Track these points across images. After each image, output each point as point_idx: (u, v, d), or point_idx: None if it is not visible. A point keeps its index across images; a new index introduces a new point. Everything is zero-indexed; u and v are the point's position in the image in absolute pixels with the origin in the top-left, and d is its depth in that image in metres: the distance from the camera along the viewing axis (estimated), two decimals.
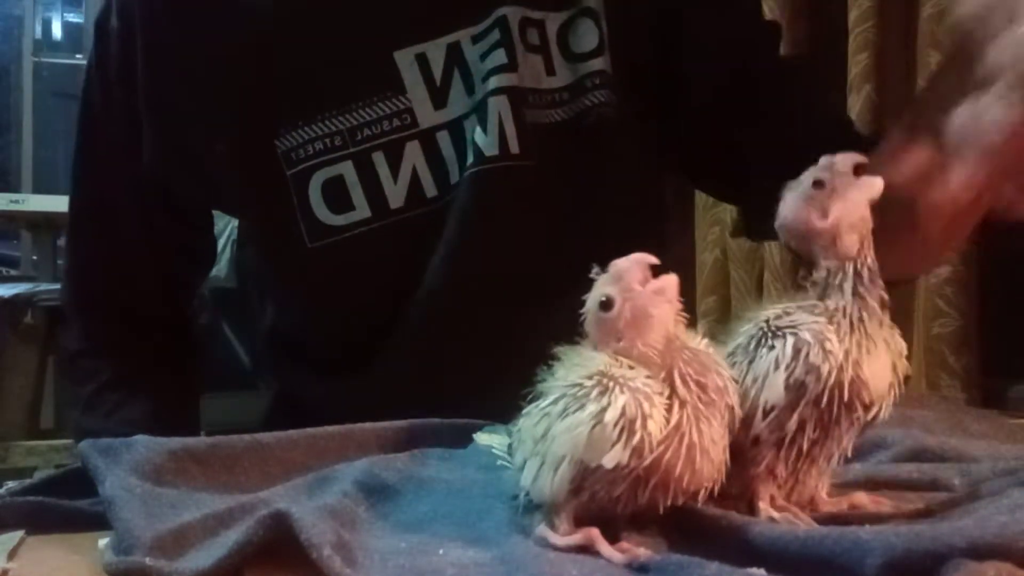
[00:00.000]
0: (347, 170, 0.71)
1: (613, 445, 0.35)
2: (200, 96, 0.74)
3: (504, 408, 0.44)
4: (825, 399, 0.40)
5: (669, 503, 0.37)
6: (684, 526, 0.39)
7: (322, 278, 0.73)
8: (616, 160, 0.75)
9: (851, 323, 0.40)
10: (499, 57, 0.71)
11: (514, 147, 0.71)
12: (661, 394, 0.36)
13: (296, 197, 0.72)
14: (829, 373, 0.39)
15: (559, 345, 0.40)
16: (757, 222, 0.82)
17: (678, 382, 0.37)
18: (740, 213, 0.96)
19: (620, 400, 0.35)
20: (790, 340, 0.40)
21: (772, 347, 0.40)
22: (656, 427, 0.35)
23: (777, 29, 0.85)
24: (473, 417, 0.57)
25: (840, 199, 0.41)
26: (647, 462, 0.36)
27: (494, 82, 0.71)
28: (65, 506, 0.46)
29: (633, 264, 0.38)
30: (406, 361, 0.74)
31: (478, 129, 0.71)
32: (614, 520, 0.39)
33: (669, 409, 0.36)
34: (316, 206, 0.72)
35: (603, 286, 0.38)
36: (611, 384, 0.36)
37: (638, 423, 0.35)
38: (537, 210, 0.73)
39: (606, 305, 0.38)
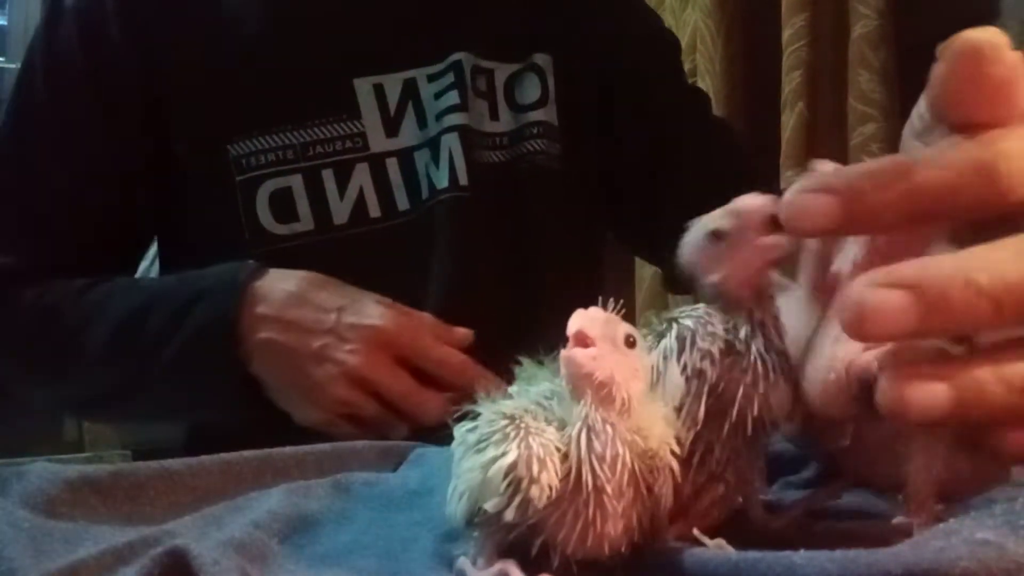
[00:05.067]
0: (295, 183, 0.74)
1: (500, 494, 0.34)
2: (167, 93, 0.76)
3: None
4: (722, 386, 0.37)
5: (557, 564, 0.36)
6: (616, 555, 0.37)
7: None
8: (547, 203, 0.82)
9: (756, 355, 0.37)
10: (452, 98, 0.78)
11: (463, 180, 0.76)
12: (566, 455, 0.34)
13: (242, 203, 0.74)
14: (722, 355, 0.37)
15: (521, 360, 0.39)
16: (672, 279, 0.93)
17: (577, 452, 0.34)
18: (662, 271, 1.05)
19: (511, 456, 0.34)
20: (672, 331, 0.38)
21: (655, 346, 0.38)
22: (539, 492, 0.34)
23: (703, 95, 0.94)
24: (413, 440, 0.55)
25: (731, 260, 0.37)
26: (531, 521, 0.35)
27: (447, 120, 0.77)
28: None
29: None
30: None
31: (431, 164, 0.76)
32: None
33: (565, 479, 0.34)
34: (261, 214, 0.74)
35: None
36: (514, 434, 0.35)
37: (524, 483, 0.34)
38: (484, 237, 0.78)
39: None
